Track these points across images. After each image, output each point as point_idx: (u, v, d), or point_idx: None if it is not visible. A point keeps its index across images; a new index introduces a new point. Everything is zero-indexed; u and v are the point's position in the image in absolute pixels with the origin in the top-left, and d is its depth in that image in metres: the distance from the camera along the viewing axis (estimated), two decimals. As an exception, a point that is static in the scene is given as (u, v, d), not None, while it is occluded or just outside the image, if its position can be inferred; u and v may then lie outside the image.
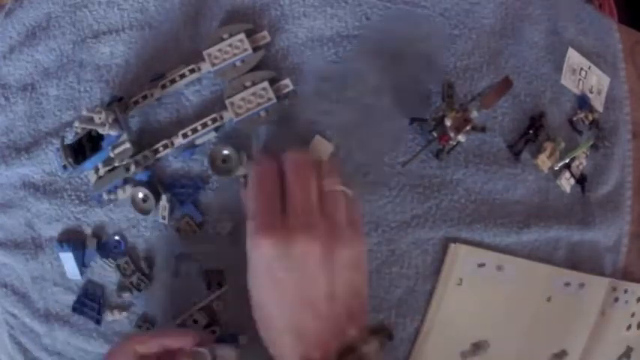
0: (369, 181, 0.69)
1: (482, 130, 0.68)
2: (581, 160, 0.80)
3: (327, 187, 0.56)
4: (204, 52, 0.65)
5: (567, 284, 0.79)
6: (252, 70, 0.66)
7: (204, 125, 0.65)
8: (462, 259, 0.71)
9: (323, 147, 0.67)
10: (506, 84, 0.63)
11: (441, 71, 0.72)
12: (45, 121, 0.70)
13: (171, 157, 0.67)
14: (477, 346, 0.75)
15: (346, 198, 0.57)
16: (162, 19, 0.70)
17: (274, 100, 0.64)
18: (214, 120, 0.65)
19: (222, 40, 0.65)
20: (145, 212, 0.66)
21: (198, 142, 0.66)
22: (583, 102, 0.81)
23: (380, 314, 0.70)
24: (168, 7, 0.70)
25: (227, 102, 0.65)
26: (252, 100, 0.65)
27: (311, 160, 0.57)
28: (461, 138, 0.65)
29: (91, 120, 0.59)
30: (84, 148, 0.63)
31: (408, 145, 0.70)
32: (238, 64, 0.66)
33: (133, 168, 0.64)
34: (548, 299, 0.78)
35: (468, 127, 0.64)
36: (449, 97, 0.70)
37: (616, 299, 0.84)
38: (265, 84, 0.65)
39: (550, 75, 0.80)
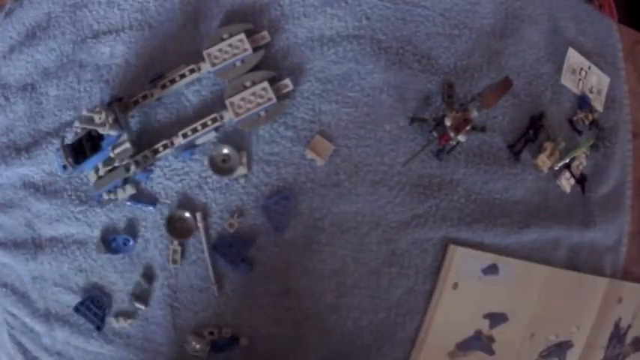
0: (369, 181, 0.69)
1: (482, 130, 0.68)
2: (581, 160, 0.80)
3: None
4: (204, 52, 0.65)
5: (566, 284, 0.79)
6: (252, 70, 0.66)
7: (204, 125, 0.64)
8: (459, 260, 0.71)
9: (323, 147, 0.67)
10: (506, 84, 0.63)
11: (441, 71, 0.72)
12: (45, 121, 0.70)
13: (172, 157, 0.67)
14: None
15: None
16: (162, 19, 0.70)
17: (274, 100, 0.64)
18: (214, 120, 0.65)
19: (222, 40, 0.65)
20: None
21: (198, 142, 0.66)
22: (583, 102, 0.81)
23: (380, 314, 0.70)
24: (168, 7, 0.70)
25: (227, 102, 0.64)
26: (252, 100, 0.64)
27: None
28: (461, 138, 0.65)
29: (91, 120, 0.59)
30: (84, 148, 0.63)
31: (408, 145, 0.70)
32: (238, 64, 0.66)
33: (133, 168, 0.64)
34: (546, 299, 0.78)
35: (468, 127, 0.64)
36: (449, 97, 0.70)
37: (619, 300, 0.84)
38: (265, 84, 0.65)
39: (550, 75, 0.80)
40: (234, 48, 0.65)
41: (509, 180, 0.74)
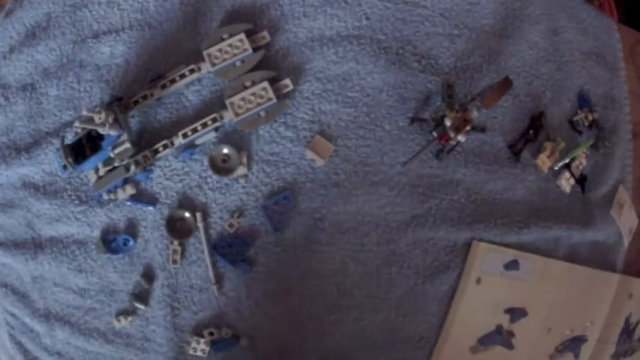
0: (369, 181, 0.69)
1: (482, 130, 0.68)
2: (581, 160, 0.80)
3: None
4: (204, 52, 0.65)
5: (581, 280, 0.80)
6: (252, 70, 0.66)
7: (204, 125, 0.65)
8: (482, 256, 0.71)
9: (323, 147, 0.67)
10: (506, 84, 0.63)
11: (441, 71, 0.72)
12: (45, 121, 0.70)
13: (172, 156, 0.67)
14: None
15: None
16: (162, 19, 0.70)
17: (274, 100, 0.64)
18: (214, 120, 0.65)
19: (223, 40, 0.65)
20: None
21: (198, 142, 0.66)
22: (583, 102, 0.81)
23: (380, 314, 0.70)
24: (168, 7, 0.70)
25: (227, 102, 0.64)
26: (252, 100, 0.65)
27: None
28: (461, 138, 0.65)
29: (91, 120, 0.59)
30: (84, 148, 0.63)
31: (408, 145, 0.70)
32: (238, 64, 0.66)
33: (133, 168, 0.64)
34: (563, 294, 0.79)
35: (467, 127, 0.64)
36: (449, 97, 0.70)
37: (630, 295, 0.85)
38: (265, 84, 0.65)
39: (550, 75, 0.80)
40: (234, 48, 0.65)
41: (509, 180, 0.75)
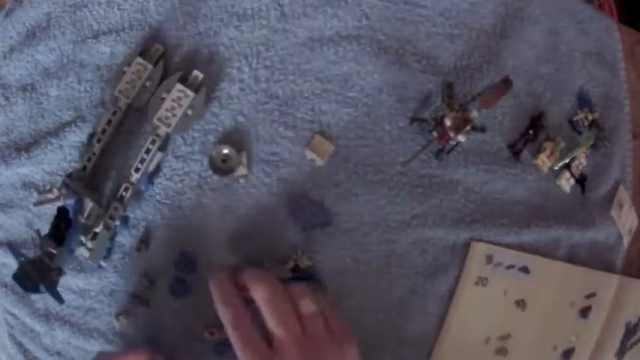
0: (369, 181, 0.69)
1: (482, 130, 0.68)
2: (581, 160, 0.80)
3: (303, 310, 0.58)
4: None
5: (581, 280, 0.80)
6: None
7: (148, 151, 0.65)
8: (481, 257, 0.71)
9: (323, 147, 0.67)
10: (506, 84, 0.63)
11: (441, 71, 0.72)
12: (45, 121, 0.70)
13: (172, 156, 0.67)
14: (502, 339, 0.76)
15: (322, 312, 0.59)
16: (162, 19, 0.69)
17: (193, 95, 0.65)
18: (153, 141, 0.65)
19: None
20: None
21: (151, 168, 0.66)
22: (583, 102, 0.81)
23: (380, 314, 0.70)
24: (168, 7, 0.70)
25: (155, 120, 0.64)
26: (175, 105, 0.64)
27: (278, 286, 0.58)
28: (461, 138, 0.65)
29: (45, 199, 0.61)
30: (61, 230, 0.62)
31: (408, 145, 0.70)
32: (148, 84, 0.66)
33: (111, 222, 0.64)
34: (562, 295, 0.79)
35: (467, 127, 0.64)
36: (449, 97, 0.70)
37: (630, 296, 0.85)
38: (178, 85, 0.65)
39: (550, 75, 0.80)
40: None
41: (509, 180, 0.75)
